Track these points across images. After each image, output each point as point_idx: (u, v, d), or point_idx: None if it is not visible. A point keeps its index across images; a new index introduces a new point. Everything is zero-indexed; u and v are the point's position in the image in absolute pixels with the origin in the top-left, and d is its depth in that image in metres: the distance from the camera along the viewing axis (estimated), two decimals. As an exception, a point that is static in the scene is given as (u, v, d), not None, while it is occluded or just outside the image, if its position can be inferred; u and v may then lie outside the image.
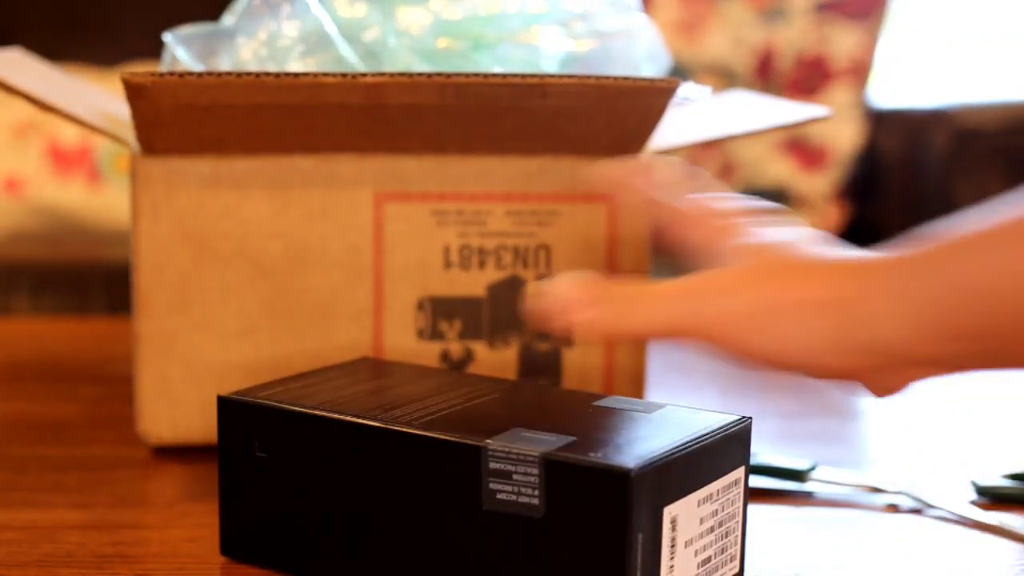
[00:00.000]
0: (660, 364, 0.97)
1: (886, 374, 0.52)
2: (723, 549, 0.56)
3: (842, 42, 1.92)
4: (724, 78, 1.96)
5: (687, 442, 0.53)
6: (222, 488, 0.59)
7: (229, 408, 0.58)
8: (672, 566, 0.52)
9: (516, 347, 0.75)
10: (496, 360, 0.75)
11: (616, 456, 0.51)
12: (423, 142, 0.72)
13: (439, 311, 0.75)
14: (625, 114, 0.71)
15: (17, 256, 1.70)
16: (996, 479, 0.69)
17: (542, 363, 0.75)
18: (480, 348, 0.75)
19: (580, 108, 0.70)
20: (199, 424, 0.73)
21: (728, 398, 0.88)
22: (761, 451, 0.74)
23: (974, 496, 0.69)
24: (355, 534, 0.56)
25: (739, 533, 0.57)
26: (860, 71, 1.92)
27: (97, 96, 0.84)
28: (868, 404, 0.90)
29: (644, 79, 0.68)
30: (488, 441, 0.52)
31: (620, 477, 0.49)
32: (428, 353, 0.75)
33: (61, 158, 1.88)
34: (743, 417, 0.56)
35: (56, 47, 1.97)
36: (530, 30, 0.74)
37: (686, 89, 0.76)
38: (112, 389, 0.87)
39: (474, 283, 0.75)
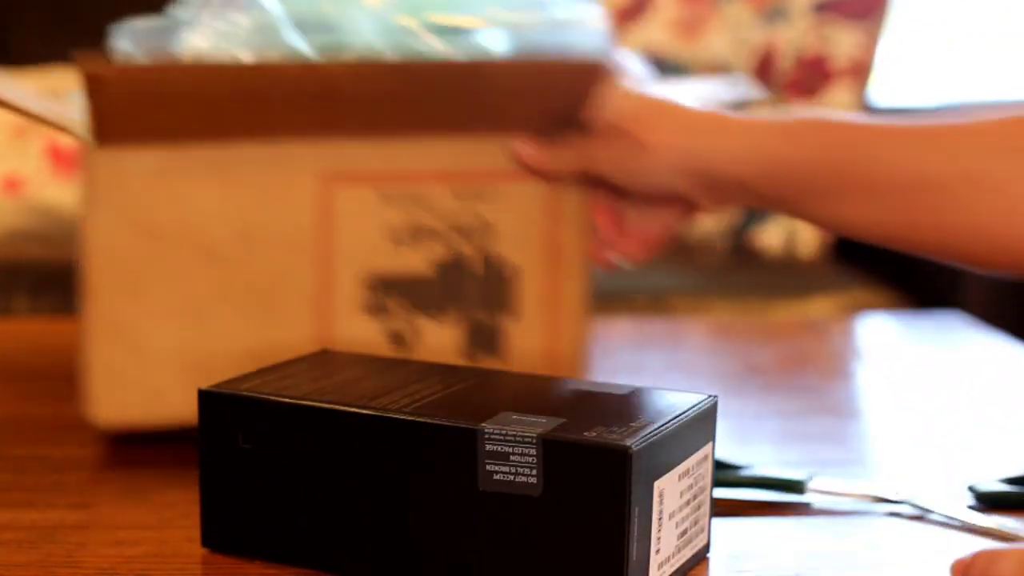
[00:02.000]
0: (661, 363, 0.97)
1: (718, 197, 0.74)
2: (696, 521, 0.58)
3: (842, 42, 1.92)
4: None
5: (669, 420, 0.55)
6: (203, 480, 0.59)
7: (211, 401, 0.58)
8: (659, 538, 0.53)
9: (462, 324, 0.77)
10: (443, 337, 0.76)
11: (611, 434, 0.52)
12: (368, 124, 0.74)
13: (387, 290, 0.75)
14: (557, 93, 0.74)
15: (17, 256, 1.70)
16: (993, 483, 0.69)
17: (487, 340, 0.77)
18: (427, 325, 0.76)
19: (515, 88, 0.73)
20: (149, 409, 0.73)
21: (728, 397, 0.88)
22: (757, 463, 0.74)
23: (972, 501, 0.68)
24: (349, 521, 0.56)
25: (707, 506, 0.59)
26: (860, 71, 1.92)
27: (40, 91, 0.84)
28: (867, 405, 0.90)
29: (572, 60, 0.72)
30: (484, 424, 0.53)
31: (620, 454, 0.51)
32: (376, 331, 0.75)
33: (61, 158, 1.88)
34: (710, 396, 0.59)
35: (53, 47, 1.96)
36: (483, 15, 0.76)
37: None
38: (112, 389, 0.87)
39: (421, 262, 0.76)
